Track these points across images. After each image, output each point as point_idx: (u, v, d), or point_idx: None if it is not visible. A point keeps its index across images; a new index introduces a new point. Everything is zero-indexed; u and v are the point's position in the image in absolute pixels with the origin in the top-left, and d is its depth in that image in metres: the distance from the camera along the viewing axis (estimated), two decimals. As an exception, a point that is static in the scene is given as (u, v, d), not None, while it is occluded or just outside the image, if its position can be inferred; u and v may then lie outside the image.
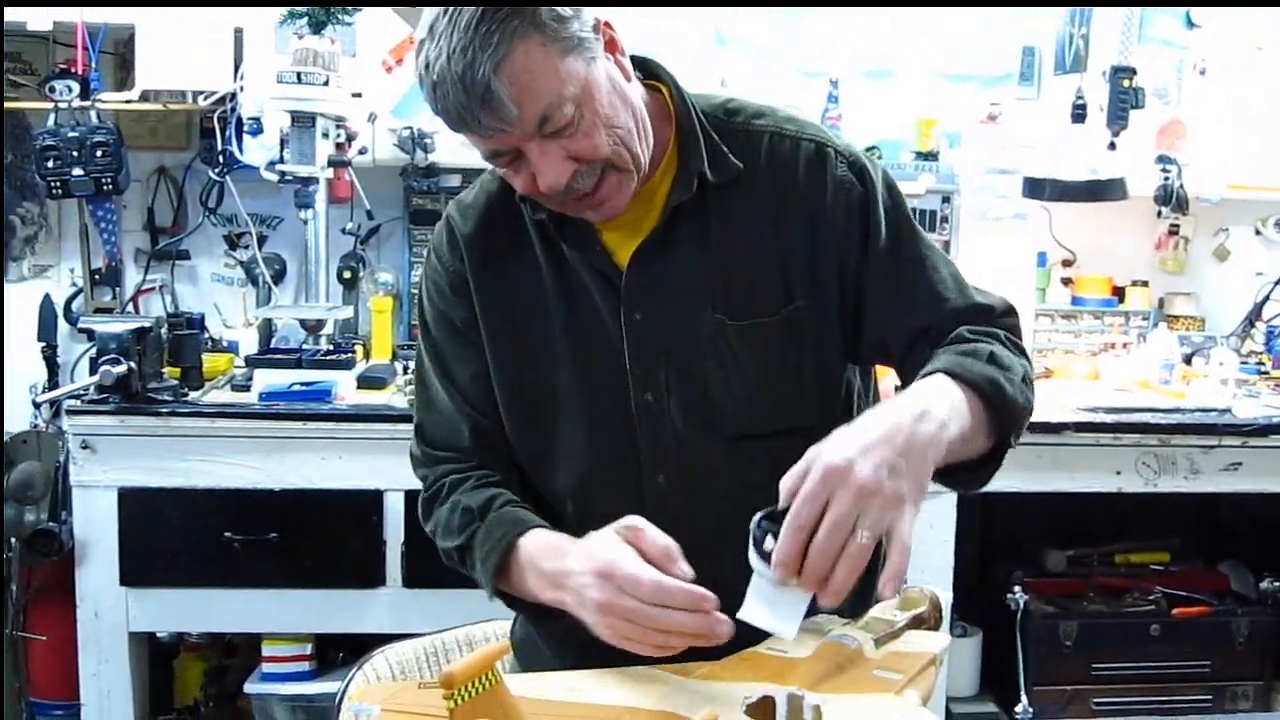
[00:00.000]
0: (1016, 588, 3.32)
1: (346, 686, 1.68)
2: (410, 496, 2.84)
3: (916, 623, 1.46)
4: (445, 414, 1.59)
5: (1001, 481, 3.06)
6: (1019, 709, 3.23)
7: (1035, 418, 3.03)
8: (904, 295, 1.50)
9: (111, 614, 2.97)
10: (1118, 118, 3.48)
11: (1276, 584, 3.51)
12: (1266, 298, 3.87)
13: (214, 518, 2.93)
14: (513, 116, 1.32)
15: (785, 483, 1.20)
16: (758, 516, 1.21)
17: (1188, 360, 3.71)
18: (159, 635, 3.25)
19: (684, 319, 1.49)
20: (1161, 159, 3.64)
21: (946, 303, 1.49)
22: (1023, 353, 1.46)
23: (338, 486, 2.95)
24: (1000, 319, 1.50)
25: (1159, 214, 3.86)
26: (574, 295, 1.51)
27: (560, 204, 1.44)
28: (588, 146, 1.37)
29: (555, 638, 1.59)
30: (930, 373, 1.34)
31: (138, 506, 2.92)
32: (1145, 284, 3.91)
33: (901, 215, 1.54)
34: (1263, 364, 3.75)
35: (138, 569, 2.94)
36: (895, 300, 1.50)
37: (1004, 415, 1.35)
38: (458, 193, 1.66)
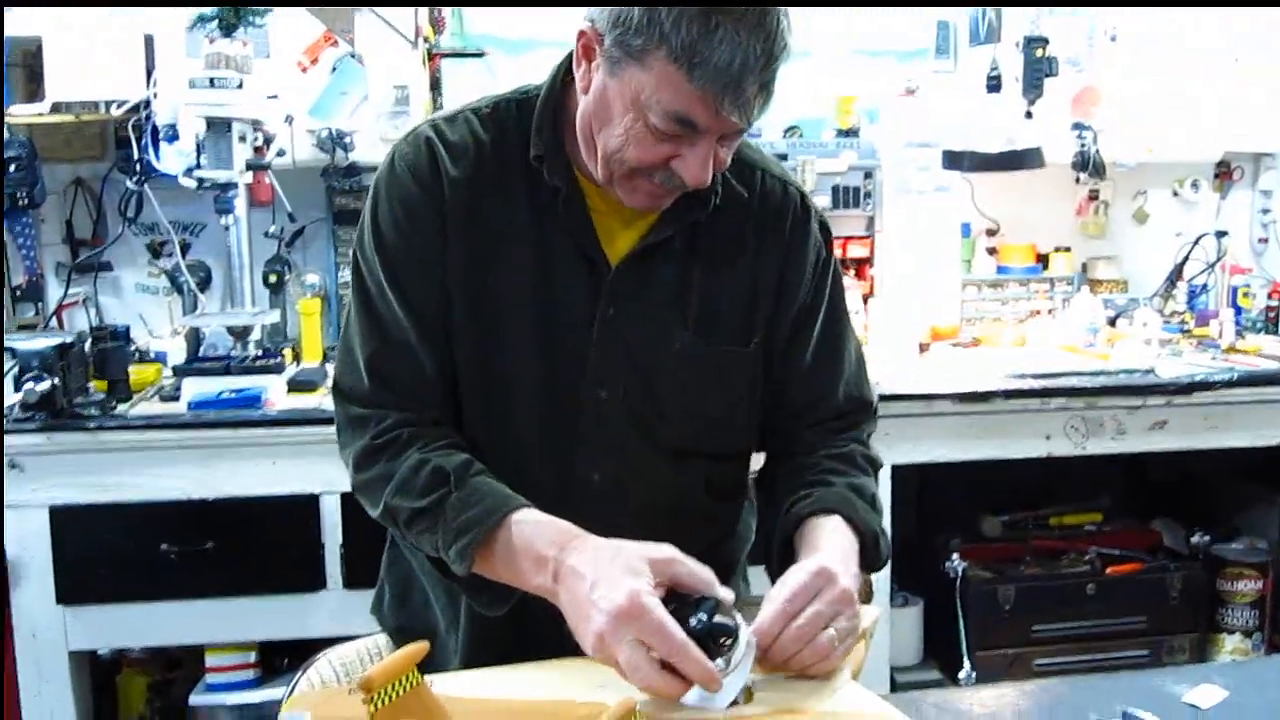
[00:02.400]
0: (954, 555, 3.37)
1: (291, 692, 1.67)
2: (347, 499, 2.85)
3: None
4: (405, 347, 1.48)
5: (935, 451, 3.16)
6: (962, 674, 3.28)
7: (965, 386, 3.12)
8: (814, 368, 1.61)
9: (49, 634, 2.93)
10: (1033, 87, 3.54)
11: (1206, 538, 3.59)
12: (1186, 258, 3.94)
13: (149, 530, 2.90)
14: (750, 118, 1.35)
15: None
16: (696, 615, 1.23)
17: (1112, 322, 3.78)
18: (99, 653, 3.22)
19: (656, 329, 1.50)
20: (1077, 126, 3.69)
21: (838, 391, 1.63)
22: (876, 469, 1.64)
23: (273, 492, 2.92)
24: (872, 417, 1.69)
25: (1078, 180, 3.92)
26: (552, 273, 1.48)
27: (629, 176, 1.41)
28: (723, 161, 1.42)
29: (472, 630, 1.57)
30: (831, 509, 1.48)
31: (70, 524, 2.88)
32: (1068, 250, 3.97)
33: (841, 291, 1.65)
34: (1185, 323, 3.82)
35: (74, 587, 2.91)
36: (807, 369, 1.61)
37: (869, 562, 1.50)
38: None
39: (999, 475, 3.33)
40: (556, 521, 1.36)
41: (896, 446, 3.04)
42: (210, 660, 3.12)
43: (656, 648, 1.17)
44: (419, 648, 0.89)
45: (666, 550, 1.25)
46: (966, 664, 3.29)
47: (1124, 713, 1.37)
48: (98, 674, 3.23)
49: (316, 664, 1.81)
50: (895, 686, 3.32)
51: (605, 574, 1.23)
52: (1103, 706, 1.40)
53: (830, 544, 1.42)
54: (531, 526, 1.35)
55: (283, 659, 3.16)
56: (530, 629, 1.37)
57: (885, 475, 3.11)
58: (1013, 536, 3.61)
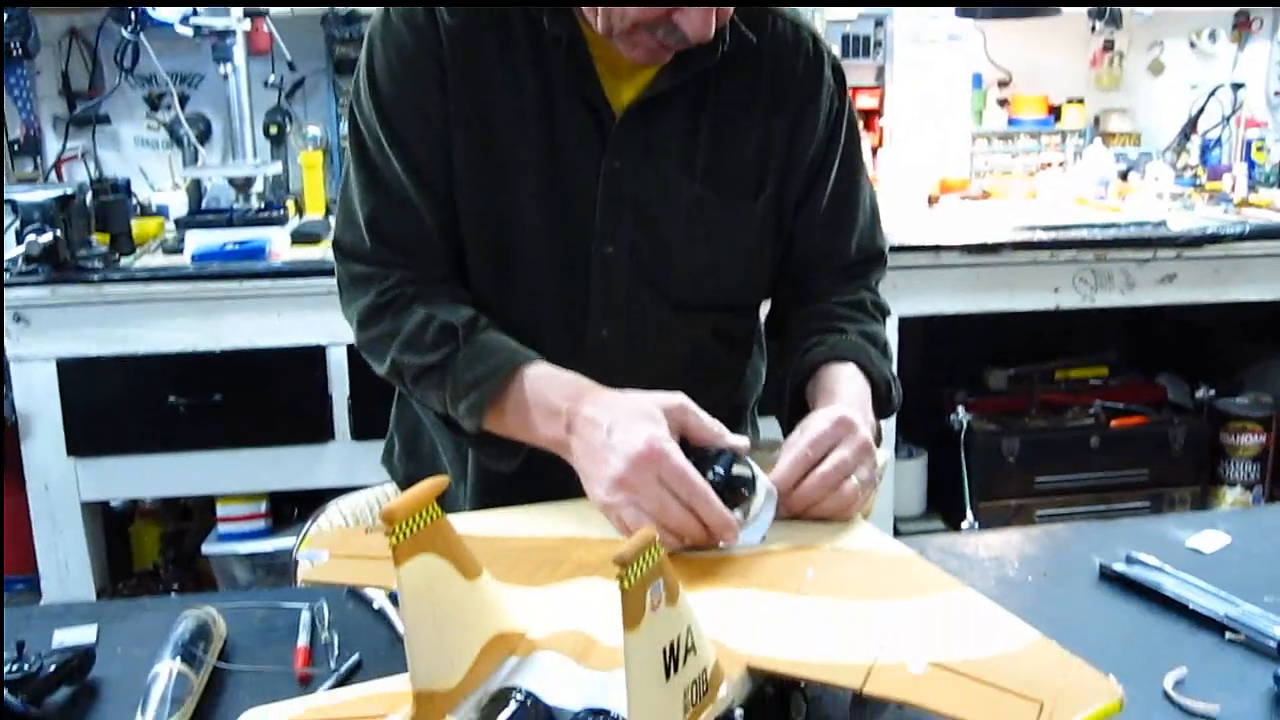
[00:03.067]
0: (959, 408, 3.39)
1: (302, 540, 1.69)
2: (353, 351, 2.85)
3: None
4: (406, 203, 1.44)
5: (942, 303, 3.15)
6: (965, 524, 3.32)
7: (974, 238, 3.09)
8: (828, 219, 1.57)
9: (61, 485, 2.97)
10: (1049, -70, 3.44)
11: (1210, 392, 3.61)
12: (1200, 110, 3.88)
13: (156, 383, 2.91)
14: None
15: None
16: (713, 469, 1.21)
17: (1124, 176, 3.73)
18: (112, 503, 3.26)
19: (663, 181, 1.46)
20: (1094, -30, 3.61)
21: (852, 242, 1.60)
22: (885, 315, 1.63)
23: (279, 344, 2.93)
24: (883, 265, 1.67)
25: (1093, 29, 3.84)
26: (555, 127, 1.44)
27: (630, 31, 1.35)
28: (726, 13, 1.36)
29: (480, 483, 1.57)
30: (845, 357, 1.47)
31: (78, 376, 2.90)
32: (1081, 101, 3.90)
33: (856, 138, 1.60)
34: (1197, 177, 3.78)
35: (83, 439, 2.94)
36: (820, 220, 1.57)
37: (881, 408, 1.49)
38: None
39: (1006, 328, 3.33)
40: (568, 374, 1.34)
41: (904, 298, 3.02)
42: (221, 510, 3.16)
43: (677, 492, 1.16)
44: (438, 482, 0.88)
45: (679, 398, 1.24)
46: (969, 514, 3.33)
47: (1127, 556, 1.38)
48: (111, 524, 3.28)
49: (326, 512, 1.84)
50: (898, 536, 3.37)
51: (621, 420, 1.21)
52: (1106, 550, 1.41)
53: (847, 392, 1.42)
54: (543, 380, 1.33)
55: (293, 509, 3.20)
56: (539, 482, 1.37)
57: (892, 327, 3.09)
58: (1018, 389, 3.63)
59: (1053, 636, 0.95)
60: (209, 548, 3.19)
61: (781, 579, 1.09)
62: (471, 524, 1.09)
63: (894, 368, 1.54)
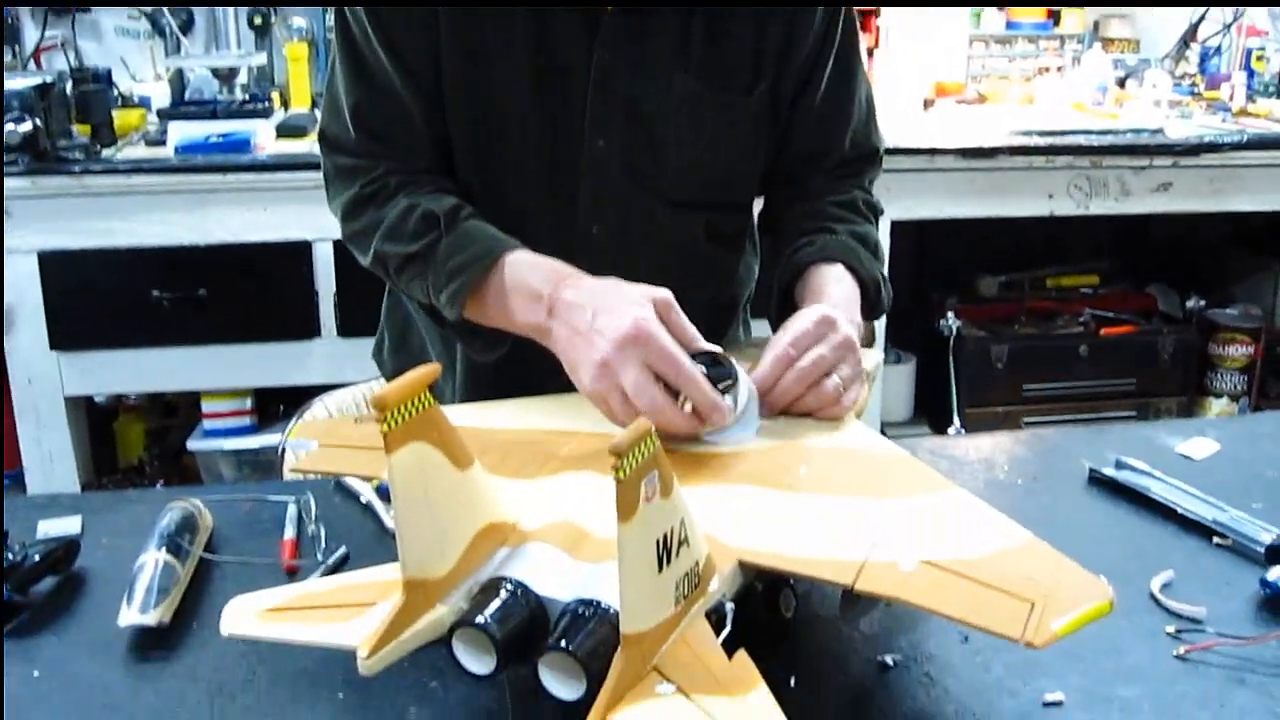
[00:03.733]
0: (949, 313, 3.38)
1: (290, 431, 1.68)
2: (340, 246, 2.82)
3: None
4: (392, 95, 1.42)
5: (935, 207, 3.11)
6: (951, 430, 3.33)
7: (968, 142, 3.05)
8: (823, 116, 1.55)
9: (45, 379, 2.95)
10: None
11: (1201, 303, 3.61)
12: (1201, 18, 3.82)
13: (140, 276, 2.88)
14: None
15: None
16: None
17: (1121, 83, 3.69)
18: (96, 398, 3.24)
19: (654, 74, 1.43)
20: None
21: (846, 139, 1.58)
22: (878, 215, 1.61)
23: (265, 238, 2.89)
24: (877, 164, 1.65)
25: (1095, -68, 3.77)
26: (545, 19, 1.40)
27: None
28: None
29: (468, 376, 1.56)
30: (834, 257, 1.45)
31: (60, 269, 2.87)
32: (1080, 6, 3.84)
33: (852, 35, 1.56)
34: (1196, 85, 3.74)
35: (66, 333, 2.91)
36: (815, 116, 1.54)
37: (870, 309, 1.47)
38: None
39: (998, 234, 3.32)
40: (551, 261, 1.31)
41: (896, 202, 3.00)
42: (206, 406, 3.16)
43: (665, 373, 1.13)
44: (431, 369, 0.87)
45: (665, 292, 1.21)
46: (956, 420, 3.34)
47: (1117, 460, 1.38)
48: (96, 420, 3.27)
49: (312, 408, 1.83)
50: (884, 442, 3.38)
51: (607, 303, 1.18)
52: (1095, 455, 1.41)
53: (834, 293, 1.40)
54: (525, 265, 1.31)
55: (278, 405, 3.19)
56: (528, 376, 1.36)
57: (884, 231, 3.08)
58: (1008, 296, 3.63)
59: (1041, 539, 0.94)
60: (194, 444, 3.18)
61: (775, 475, 1.08)
62: (462, 416, 1.07)
63: (884, 269, 1.53)
